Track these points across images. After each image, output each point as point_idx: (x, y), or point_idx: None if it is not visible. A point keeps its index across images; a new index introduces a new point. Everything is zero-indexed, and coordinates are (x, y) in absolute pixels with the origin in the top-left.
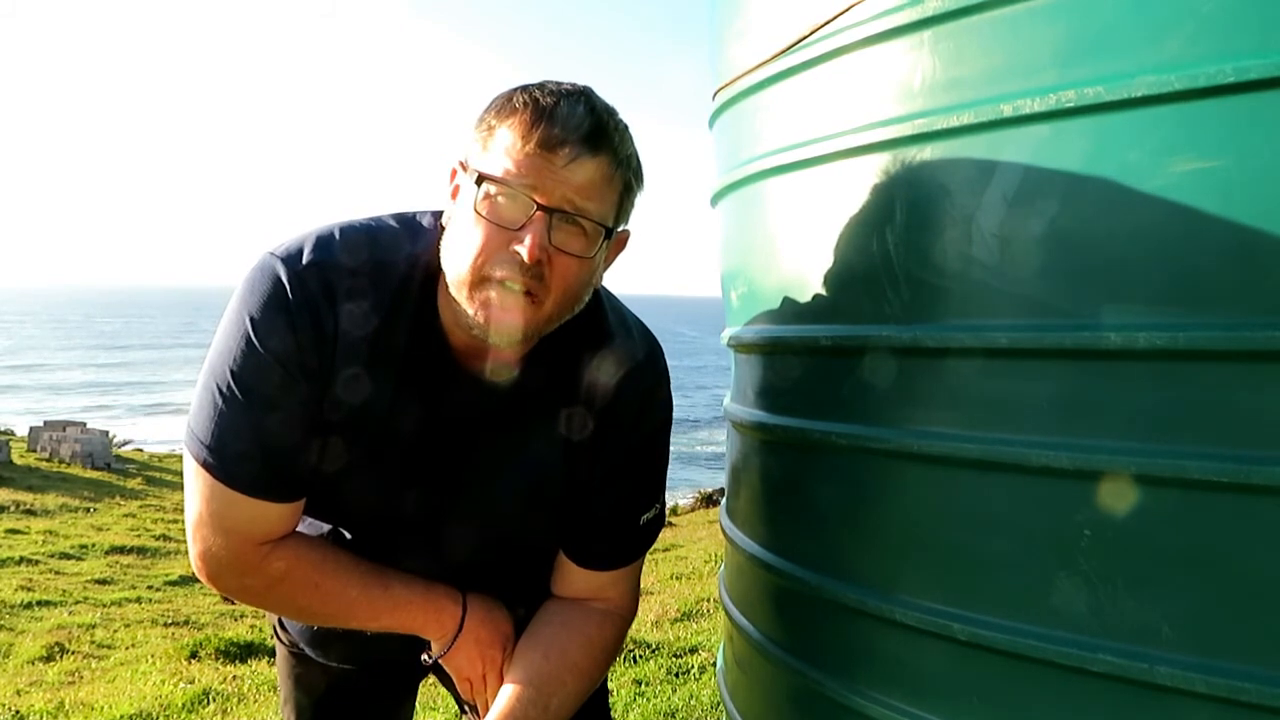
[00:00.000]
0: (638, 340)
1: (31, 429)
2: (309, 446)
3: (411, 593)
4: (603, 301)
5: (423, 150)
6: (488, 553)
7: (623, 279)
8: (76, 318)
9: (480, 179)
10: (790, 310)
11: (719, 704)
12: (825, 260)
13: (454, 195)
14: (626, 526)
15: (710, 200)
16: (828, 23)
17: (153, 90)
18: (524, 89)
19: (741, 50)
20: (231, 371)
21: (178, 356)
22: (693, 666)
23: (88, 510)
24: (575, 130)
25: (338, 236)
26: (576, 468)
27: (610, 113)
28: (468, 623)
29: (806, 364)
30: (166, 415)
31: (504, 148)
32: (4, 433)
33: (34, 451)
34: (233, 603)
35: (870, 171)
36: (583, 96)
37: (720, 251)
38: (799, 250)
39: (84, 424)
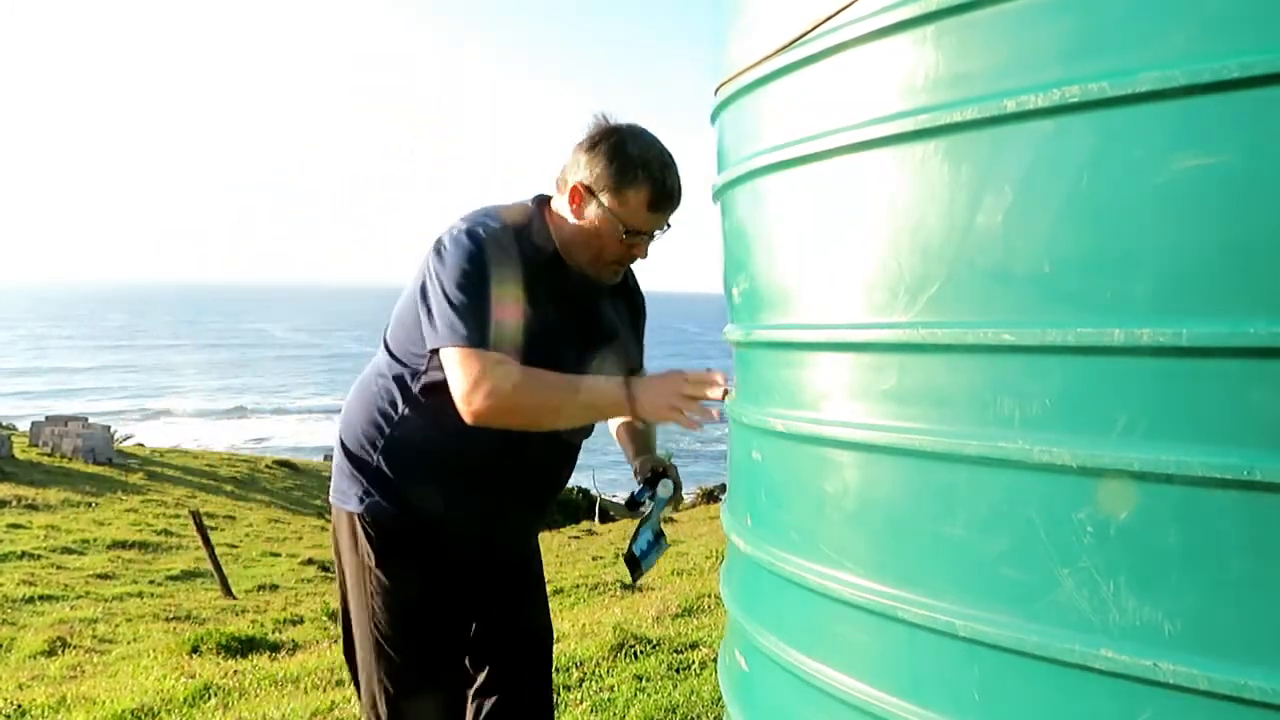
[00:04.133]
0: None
1: (33, 424)
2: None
3: (592, 379)
4: None
5: (421, 148)
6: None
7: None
8: (81, 312)
9: (626, 230)
10: (792, 306)
11: (720, 700)
12: (828, 256)
13: (577, 201)
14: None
15: (712, 196)
16: (831, 18)
17: (157, 86)
18: (644, 164)
19: (744, 45)
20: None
21: (182, 359)
22: (694, 662)
23: (89, 505)
24: (677, 200)
25: (487, 214)
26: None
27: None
28: (634, 383)
29: (809, 360)
30: (168, 413)
31: (635, 207)
32: (6, 428)
33: (36, 446)
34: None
35: (873, 167)
36: (674, 163)
37: (722, 247)
38: (801, 246)
39: (85, 419)
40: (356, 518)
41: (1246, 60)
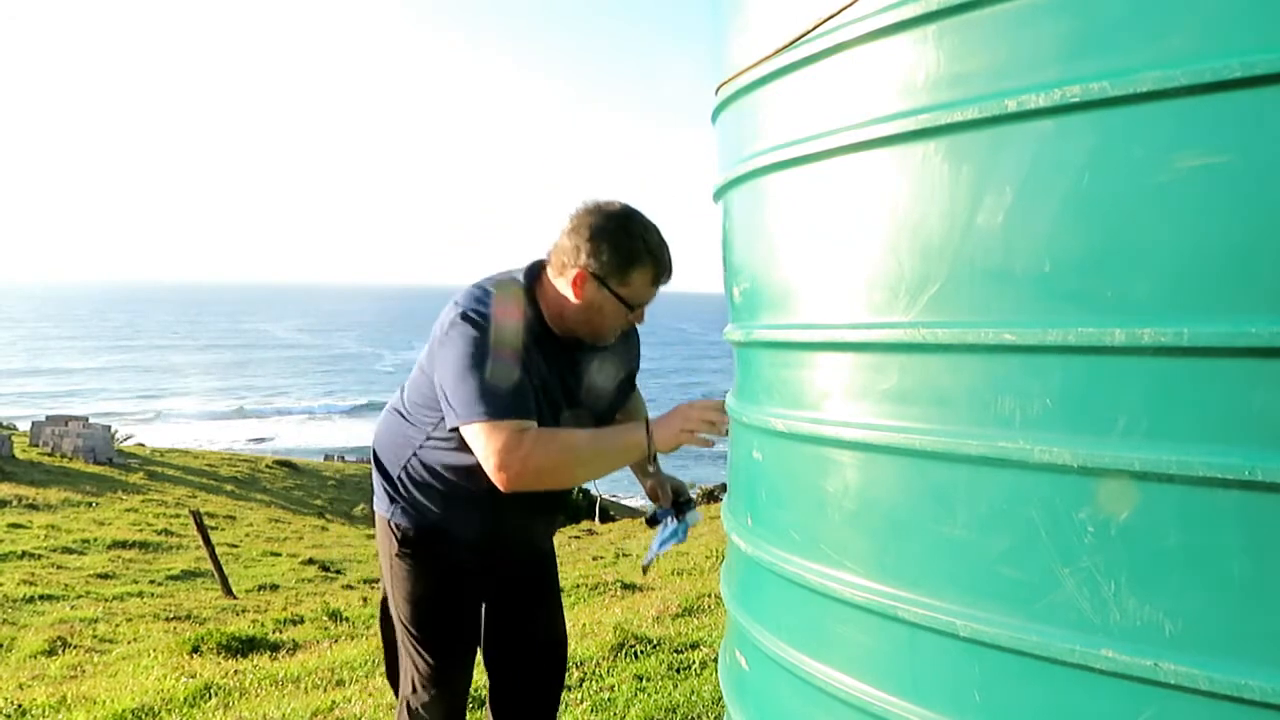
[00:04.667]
0: None
1: (34, 424)
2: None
3: (610, 430)
4: None
5: (421, 147)
6: (599, 418)
7: None
8: (82, 313)
9: (628, 305)
10: (793, 306)
11: (720, 699)
12: (828, 256)
13: (581, 282)
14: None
15: (713, 195)
16: (831, 17)
17: (158, 86)
18: (646, 248)
19: (745, 45)
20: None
21: (183, 359)
22: (694, 662)
23: (90, 505)
24: (672, 270)
25: (484, 292)
26: (621, 366)
27: None
28: (651, 422)
29: (809, 360)
30: (168, 413)
31: (639, 286)
32: (7, 427)
33: (36, 446)
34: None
35: (873, 167)
36: (663, 235)
37: (723, 247)
38: (802, 246)
39: (86, 419)
40: (386, 520)
41: (1248, 60)
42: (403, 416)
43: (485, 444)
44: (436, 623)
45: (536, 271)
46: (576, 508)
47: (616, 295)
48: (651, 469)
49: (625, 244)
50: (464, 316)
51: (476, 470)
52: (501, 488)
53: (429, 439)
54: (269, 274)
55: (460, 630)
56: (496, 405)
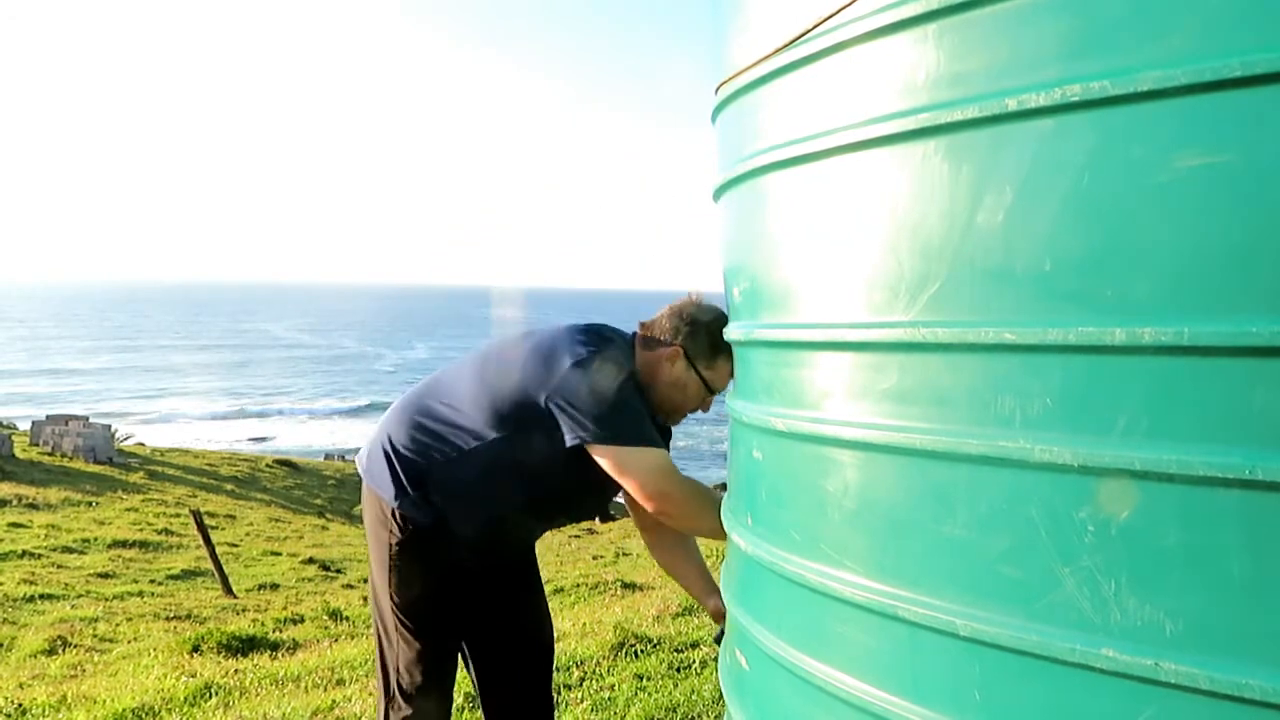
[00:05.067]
0: None
1: (34, 423)
2: None
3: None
4: None
5: (422, 147)
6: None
7: (625, 275)
8: (82, 312)
9: (709, 388)
10: (793, 306)
11: (720, 699)
12: (828, 256)
13: (673, 359)
14: None
15: (713, 195)
16: (831, 16)
17: (158, 85)
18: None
19: (745, 44)
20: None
21: (183, 359)
22: (694, 661)
23: (90, 504)
24: None
25: (611, 348)
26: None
27: None
28: None
29: (809, 359)
30: (169, 413)
31: (721, 374)
32: (7, 427)
33: (36, 445)
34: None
35: (873, 166)
36: None
37: (722, 247)
38: (802, 246)
39: (86, 418)
40: (391, 510)
41: (1248, 59)
42: (448, 412)
43: (649, 467)
44: (431, 613)
45: (633, 340)
46: None
47: (701, 377)
48: (707, 586)
49: (719, 336)
50: (604, 355)
51: (512, 478)
52: (649, 508)
53: (481, 444)
54: (269, 274)
55: (453, 620)
56: (657, 438)
